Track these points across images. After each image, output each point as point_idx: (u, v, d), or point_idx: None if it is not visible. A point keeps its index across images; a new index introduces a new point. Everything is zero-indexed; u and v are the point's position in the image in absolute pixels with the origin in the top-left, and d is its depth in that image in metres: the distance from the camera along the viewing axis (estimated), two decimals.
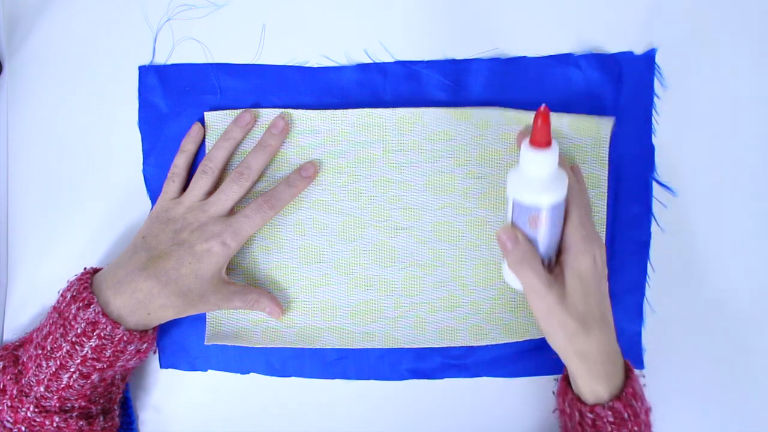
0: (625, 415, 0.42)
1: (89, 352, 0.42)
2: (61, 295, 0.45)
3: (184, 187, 0.48)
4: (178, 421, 0.51)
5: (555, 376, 0.48)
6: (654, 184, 0.50)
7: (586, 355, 0.42)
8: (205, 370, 0.51)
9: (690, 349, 0.50)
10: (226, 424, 0.51)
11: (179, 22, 0.50)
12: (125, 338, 0.43)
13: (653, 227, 0.50)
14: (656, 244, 0.50)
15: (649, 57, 0.49)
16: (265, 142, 0.48)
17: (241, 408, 0.51)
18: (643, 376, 0.47)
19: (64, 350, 0.42)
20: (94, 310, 0.42)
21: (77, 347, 0.42)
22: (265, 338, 0.50)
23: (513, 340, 0.49)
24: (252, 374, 0.51)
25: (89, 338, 0.42)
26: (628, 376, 0.44)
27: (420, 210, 0.49)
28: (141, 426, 0.51)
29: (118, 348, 0.43)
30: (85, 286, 0.44)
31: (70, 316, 0.43)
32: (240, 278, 0.50)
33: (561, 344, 0.42)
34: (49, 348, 0.43)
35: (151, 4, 0.50)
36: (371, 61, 0.49)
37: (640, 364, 0.50)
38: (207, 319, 0.50)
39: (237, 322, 0.50)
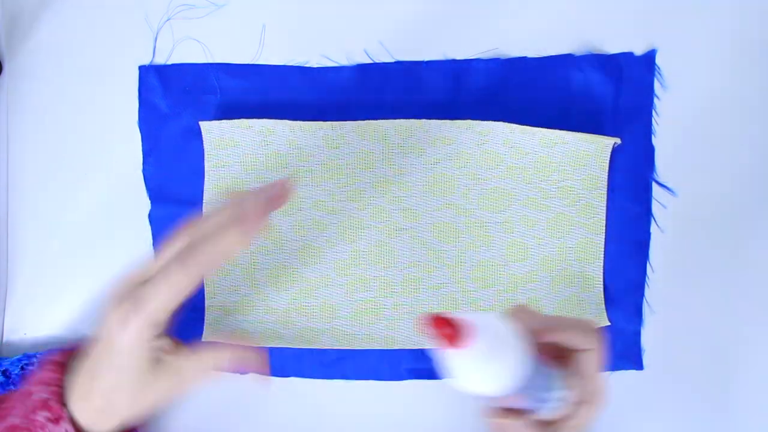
0: None
1: None
2: (30, 383, 0.40)
3: None
4: (178, 421, 0.51)
5: None
6: (653, 184, 0.50)
7: None
8: None
9: (690, 349, 0.50)
10: (225, 424, 0.51)
11: (179, 22, 0.50)
12: None
13: (653, 227, 0.50)
14: (656, 245, 0.50)
15: (650, 57, 0.49)
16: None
17: (241, 408, 0.51)
18: None
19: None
20: (64, 428, 0.38)
21: None
22: (264, 338, 0.50)
23: None
24: (251, 374, 0.51)
25: None
26: None
27: (420, 211, 0.49)
28: (140, 426, 0.51)
29: None
30: (57, 398, 0.39)
31: (37, 423, 0.38)
32: (239, 278, 0.50)
33: None
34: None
35: (151, 4, 0.50)
36: (371, 61, 0.49)
37: (639, 365, 0.50)
38: (206, 319, 0.50)
39: (236, 322, 0.50)
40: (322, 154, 0.49)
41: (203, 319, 0.50)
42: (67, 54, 0.51)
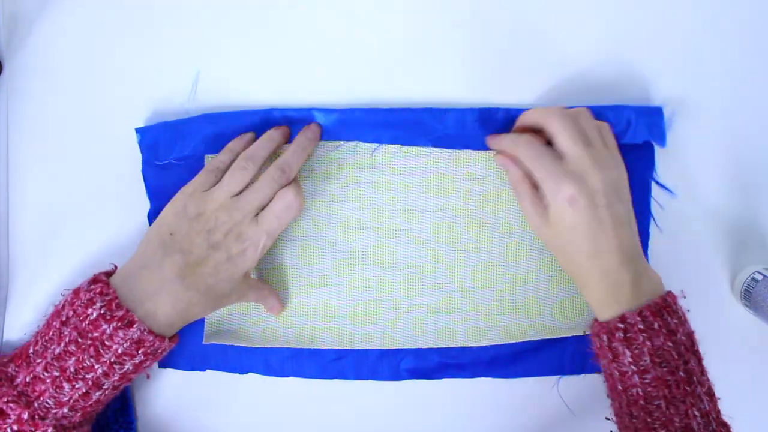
0: (655, 325, 0.40)
1: (130, 368, 0.41)
2: (72, 310, 0.41)
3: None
4: (177, 421, 0.51)
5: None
6: (653, 184, 0.50)
7: (586, 276, 0.42)
8: (204, 370, 0.51)
9: None
10: (225, 424, 0.51)
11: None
12: (168, 348, 0.43)
13: (653, 227, 0.50)
14: (655, 245, 0.50)
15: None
16: (302, 144, 0.47)
17: (240, 408, 0.51)
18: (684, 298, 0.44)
19: (99, 372, 0.40)
20: (139, 329, 0.40)
21: (116, 366, 0.40)
22: (263, 338, 0.50)
23: (511, 341, 0.49)
24: (250, 374, 0.51)
25: (133, 356, 0.41)
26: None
27: (419, 212, 0.49)
28: (141, 426, 0.51)
29: (157, 358, 0.43)
30: (117, 303, 0.40)
31: (104, 337, 0.40)
32: None
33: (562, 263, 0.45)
34: (72, 370, 0.40)
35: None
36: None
37: None
38: (206, 319, 0.50)
39: (235, 321, 0.50)
40: (321, 153, 0.49)
41: (204, 319, 0.50)
42: (67, 54, 0.51)
